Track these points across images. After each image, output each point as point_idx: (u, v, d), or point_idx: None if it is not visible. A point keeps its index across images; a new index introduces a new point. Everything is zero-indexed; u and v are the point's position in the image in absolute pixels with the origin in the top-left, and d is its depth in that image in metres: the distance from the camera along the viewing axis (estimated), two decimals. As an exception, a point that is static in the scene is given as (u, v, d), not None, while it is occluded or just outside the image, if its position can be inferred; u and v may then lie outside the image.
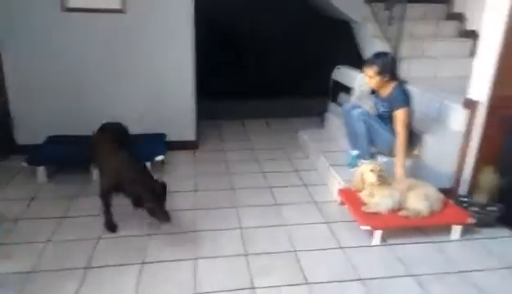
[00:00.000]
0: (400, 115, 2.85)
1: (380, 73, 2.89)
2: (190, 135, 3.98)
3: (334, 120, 4.03)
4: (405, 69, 3.63)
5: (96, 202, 2.65)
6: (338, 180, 3.09)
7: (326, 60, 4.48)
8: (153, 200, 2.35)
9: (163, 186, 2.45)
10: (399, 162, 2.85)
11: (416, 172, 2.99)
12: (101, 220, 2.63)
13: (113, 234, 2.58)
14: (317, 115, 4.59)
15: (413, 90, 3.02)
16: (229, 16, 5.05)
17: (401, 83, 2.98)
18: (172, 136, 3.77)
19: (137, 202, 2.51)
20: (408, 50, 3.93)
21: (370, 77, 2.94)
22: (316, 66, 4.68)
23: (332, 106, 4.35)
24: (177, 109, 3.86)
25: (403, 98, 2.89)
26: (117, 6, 3.48)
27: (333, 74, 4.35)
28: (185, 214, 2.84)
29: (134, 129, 3.19)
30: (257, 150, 4.09)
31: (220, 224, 2.71)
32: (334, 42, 4.82)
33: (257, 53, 5.35)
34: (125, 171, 2.46)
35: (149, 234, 2.58)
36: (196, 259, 2.35)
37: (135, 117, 3.63)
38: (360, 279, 2.23)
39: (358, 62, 3.83)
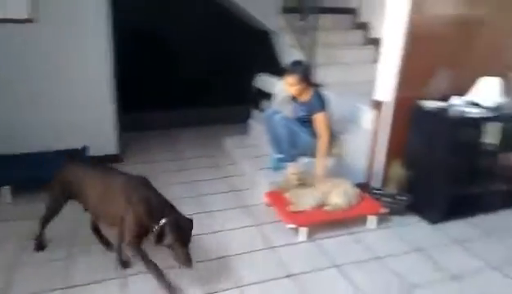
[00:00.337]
0: (320, 119, 3.06)
1: (301, 80, 3.07)
2: (111, 148, 3.85)
3: (258, 126, 4.17)
4: (320, 76, 3.88)
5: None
6: (264, 184, 3.20)
7: (249, 67, 4.62)
8: (176, 238, 1.98)
9: (190, 222, 2.09)
10: (320, 162, 3.05)
11: (336, 170, 3.21)
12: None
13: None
14: (241, 122, 4.70)
15: (329, 94, 3.24)
16: (151, 26, 4.99)
17: (318, 89, 3.19)
18: (93, 151, 3.61)
19: (159, 238, 2.01)
20: (322, 57, 4.20)
21: (291, 84, 3.11)
22: (240, 74, 4.79)
23: (255, 113, 4.49)
24: (96, 123, 3.71)
25: (321, 103, 3.10)
26: (24, 15, 3.26)
27: (255, 82, 4.50)
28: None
29: (54, 145, 2.99)
30: (185, 159, 4.08)
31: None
32: (256, 50, 4.97)
33: (181, 62, 5.33)
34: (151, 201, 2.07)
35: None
36: (126, 277, 2.29)
37: (53, 133, 3.41)
38: (289, 275, 2.34)
39: (278, 69, 4.01)
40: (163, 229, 1.97)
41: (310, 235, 2.72)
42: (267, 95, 4.20)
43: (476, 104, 2.94)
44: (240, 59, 5.19)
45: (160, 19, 5.05)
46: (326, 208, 2.82)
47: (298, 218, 2.73)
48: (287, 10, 4.70)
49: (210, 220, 2.92)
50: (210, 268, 2.38)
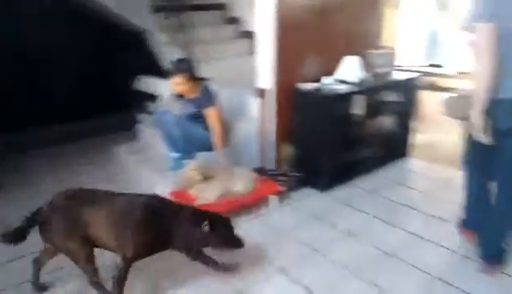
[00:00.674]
0: (212, 113, 3.14)
1: (188, 78, 3.10)
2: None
3: (148, 130, 4.07)
4: (203, 71, 3.96)
5: None
6: (165, 185, 3.17)
7: (127, 71, 4.46)
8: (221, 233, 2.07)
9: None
10: (218, 154, 3.15)
11: (233, 158, 3.34)
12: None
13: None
14: (128, 129, 4.53)
15: (215, 88, 3.35)
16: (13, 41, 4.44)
17: (206, 84, 3.27)
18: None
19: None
20: (201, 53, 4.29)
21: (179, 83, 3.11)
22: (119, 79, 4.59)
23: (143, 117, 4.37)
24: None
25: (211, 97, 3.19)
26: None
27: (136, 85, 4.37)
28: None
29: None
30: (76, 176, 3.78)
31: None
32: (131, 52, 4.81)
33: (47, 75, 4.85)
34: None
35: None
36: None
37: None
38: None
39: (158, 69, 3.97)
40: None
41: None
42: (152, 97, 4.12)
43: (343, 81, 3.36)
44: (115, 63, 4.96)
45: (24, 32, 4.52)
46: (230, 197, 2.93)
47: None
48: (157, 8, 4.65)
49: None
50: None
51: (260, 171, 3.32)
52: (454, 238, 2.61)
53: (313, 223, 2.87)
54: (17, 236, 1.94)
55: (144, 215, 1.98)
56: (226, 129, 3.40)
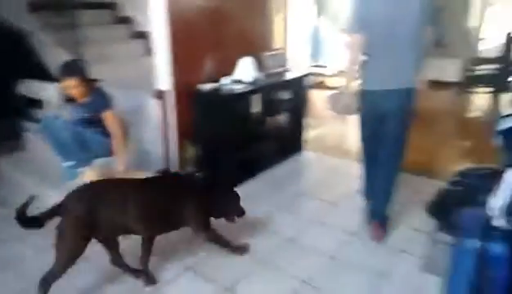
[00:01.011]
0: (110, 116, 2.99)
1: (80, 81, 2.90)
2: None
3: (36, 138, 3.71)
4: (95, 73, 3.75)
5: None
6: (60, 197, 2.93)
7: (6, 75, 3.98)
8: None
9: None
10: (120, 159, 3.01)
11: (135, 162, 3.24)
12: None
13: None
14: (12, 138, 4.06)
15: (110, 91, 3.20)
16: None
17: (99, 87, 3.10)
18: None
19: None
20: (92, 55, 4.05)
21: (71, 87, 2.90)
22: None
23: (29, 124, 3.96)
24: None
25: (106, 100, 3.03)
26: None
27: (19, 90, 3.94)
28: None
29: None
30: None
31: None
32: (9, 54, 4.30)
33: None
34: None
35: None
36: None
37: None
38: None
39: (43, 72, 3.64)
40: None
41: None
42: (38, 103, 3.76)
43: (240, 81, 3.49)
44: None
45: None
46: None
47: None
48: (39, 6, 4.25)
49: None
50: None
51: (164, 173, 3.28)
52: (345, 219, 2.92)
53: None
54: (34, 223, 1.98)
55: (196, 190, 2.35)
56: (126, 132, 3.28)
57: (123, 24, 4.92)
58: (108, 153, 3.08)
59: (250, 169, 3.67)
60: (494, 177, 1.96)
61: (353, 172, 3.57)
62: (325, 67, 8.64)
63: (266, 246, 2.62)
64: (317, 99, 6.13)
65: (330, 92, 5.66)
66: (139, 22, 4.75)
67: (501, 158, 1.88)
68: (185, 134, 3.40)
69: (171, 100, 3.31)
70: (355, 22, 2.47)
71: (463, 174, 2.27)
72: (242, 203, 2.48)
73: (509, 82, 3.87)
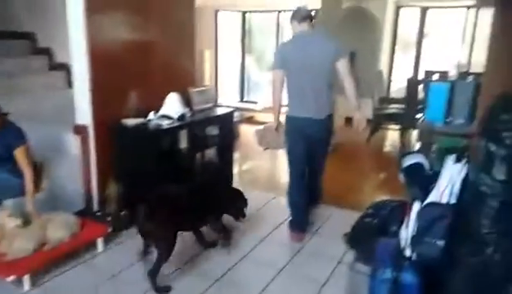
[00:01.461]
0: (20, 153, 2.77)
1: None
2: None
3: None
4: (6, 106, 3.48)
5: None
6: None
7: None
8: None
9: None
10: (30, 199, 2.78)
11: (50, 202, 3.01)
12: None
13: None
14: None
15: (23, 125, 2.98)
16: None
17: (9, 121, 2.87)
18: None
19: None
20: (3, 87, 3.76)
21: None
22: None
23: None
24: None
25: (17, 135, 2.81)
26: None
27: None
28: None
29: None
30: None
31: None
32: None
33: None
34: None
35: None
36: None
37: None
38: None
39: None
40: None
41: (38, 279, 2.48)
42: None
43: (167, 117, 3.46)
44: None
45: None
46: (47, 246, 2.62)
47: (17, 267, 2.42)
48: None
49: None
50: None
51: (84, 212, 3.09)
52: (274, 254, 2.96)
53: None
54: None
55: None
56: (40, 170, 3.05)
57: (41, 55, 4.67)
58: (19, 192, 2.83)
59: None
60: (404, 209, 2.14)
61: (281, 206, 3.66)
62: (255, 103, 8.93)
63: (195, 288, 2.54)
64: (247, 134, 6.27)
65: (258, 127, 5.86)
66: (58, 53, 4.55)
67: (407, 192, 2.06)
68: (107, 171, 3.24)
69: (91, 134, 3.17)
70: (276, 61, 3.01)
71: (376, 206, 2.45)
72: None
73: (416, 120, 4.32)
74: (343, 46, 2.99)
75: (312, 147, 3.08)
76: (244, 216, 3.00)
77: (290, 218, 3.26)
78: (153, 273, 2.42)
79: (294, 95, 3.02)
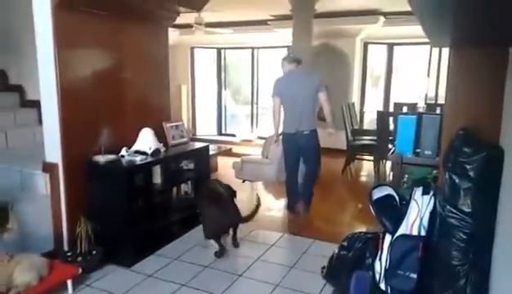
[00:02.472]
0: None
1: None
2: None
3: None
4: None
5: None
6: None
7: None
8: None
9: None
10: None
11: (19, 245, 2.88)
12: None
13: None
14: None
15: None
16: None
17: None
18: None
19: None
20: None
21: None
22: None
23: None
24: None
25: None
26: None
27: None
28: None
29: None
30: None
31: None
32: None
33: None
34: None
35: None
36: None
37: None
38: None
39: None
40: None
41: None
42: None
43: (140, 152, 3.42)
44: None
45: None
46: (14, 291, 2.48)
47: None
48: None
49: None
50: None
51: (54, 254, 2.97)
52: (252, 291, 2.90)
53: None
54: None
55: None
56: (8, 209, 2.94)
57: (14, 92, 4.61)
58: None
59: (154, 243, 3.49)
60: (377, 241, 2.16)
61: (258, 240, 3.63)
62: (233, 135, 9.00)
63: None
64: (225, 166, 6.25)
65: (235, 160, 5.86)
66: (29, 90, 4.50)
67: (378, 224, 2.09)
68: (77, 209, 3.14)
69: (61, 172, 3.09)
70: (274, 91, 4.18)
71: (351, 239, 2.46)
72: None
73: (388, 151, 4.43)
74: (322, 80, 4.21)
75: (303, 153, 4.21)
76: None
77: (287, 201, 4.43)
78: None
79: (288, 116, 4.16)
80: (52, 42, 2.95)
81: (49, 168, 3.09)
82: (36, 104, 4.29)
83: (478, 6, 0.94)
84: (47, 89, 3.06)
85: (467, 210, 1.71)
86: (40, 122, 3.26)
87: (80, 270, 2.86)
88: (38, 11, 2.99)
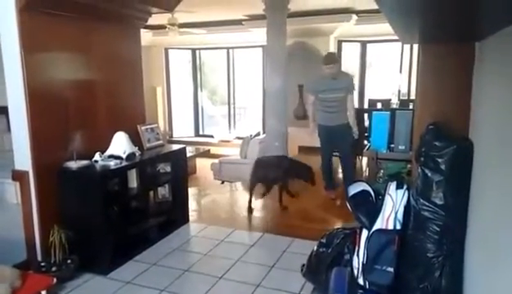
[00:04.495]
0: None
1: None
2: None
3: None
4: None
5: None
6: None
7: None
8: None
9: None
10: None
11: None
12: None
13: None
14: None
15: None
16: None
17: None
18: None
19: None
20: None
21: None
22: None
23: None
24: None
25: None
26: None
27: None
28: None
29: None
30: None
31: None
32: None
33: None
34: None
35: None
36: None
37: None
38: None
39: None
40: None
41: None
42: None
43: (115, 156, 3.35)
44: None
45: None
46: (-17, 306, 2.39)
47: None
48: None
49: None
50: None
51: (27, 264, 2.88)
52: (235, 291, 2.88)
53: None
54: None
55: None
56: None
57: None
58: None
59: (131, 249, 3.43)
60: (355, 237, 2.18)
61: (238, 241, 3.61)
62: (211, 136, 8.93)
63: None
64: (203, 168, 6.20)
65: (214, 161, 5.82)
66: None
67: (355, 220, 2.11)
68: (50, 217, 3.04)
69: (32, 180, 2.99)
70: (309, 90, 4.84)
71: (329, 236, 2.47)
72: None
73: (363, 147, 4.51)
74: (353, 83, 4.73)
75: (336, 146, 4.81)
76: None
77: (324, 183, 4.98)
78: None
79: (321, 111, 4.70)
80: (18, 45, 2.84)
81: (19, 176, 2.99)
82: (4, 111, 4.15)
83: (443, 5, 0.96)
84: (14, 94, 2.95)
85: (439, 202, 1.74)
86: (9, 128, 3.14)
87: (55, 280, 2.77)
88: (1, 13, 2.88)
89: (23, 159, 2.98)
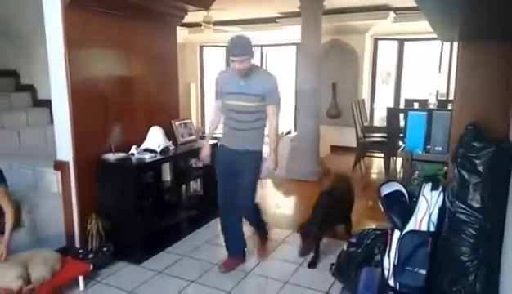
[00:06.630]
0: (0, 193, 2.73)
1: None
2: None
3: None
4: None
5: None
6: None
7: None
8: None
9: None
10: (7, 238, 2.71)
11: (31, 242, 2.94)
12: None
13: None
14: None
15: (4, 162, 2.95)
16: None
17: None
18: None
19: None
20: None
21: None
22: None
23: None
24: None
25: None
26: None
27: None
28: None
29: None
30: None
31: None
32: None
33: None
34: None
35: None
36: None
37: None
38: None
39: None
40: None
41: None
42: None
43: (150, 150, 3.45)
44: None
45: None
46: (29, 286, 2.53)
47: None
48: None
49: None
50: None
51: (66, 250, 3.02)
52: (260, 288, 2.90)
53: (128, 298, 2.74)
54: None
55: None
56: (20, 207, 2.99)
57: (24, 92, 4.68)
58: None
59: (164, 240, 3.52)
60: (386, 238, 2.15)
61: (272, 236, 3.62)
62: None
63: None
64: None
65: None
66: (41, 90, 4.57)
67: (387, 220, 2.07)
68: (89, 207, 3.18)
69: (72, 171, 3.13)
70: (215, 89, 3.13)
71: (359, 235, 2.45)
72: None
73: (398, 147, 4.39)
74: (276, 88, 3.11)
75: (237, 175, 3.14)
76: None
77: None
78: None
79: (224, 125, 3.25)
80: (63, 42, 2.99)
81: (60, 166, 3.14)
82: (47, 104, 4.36)
83: (484, 2, 0.93)
84: (57, 88, 3.10)
85: (476, 205, 1.69)
86: (52, 121, 3.31)
87: (91, 267, 2.90)
88: (48, 11, 3.03)
89: (64, 150, 3.13)
